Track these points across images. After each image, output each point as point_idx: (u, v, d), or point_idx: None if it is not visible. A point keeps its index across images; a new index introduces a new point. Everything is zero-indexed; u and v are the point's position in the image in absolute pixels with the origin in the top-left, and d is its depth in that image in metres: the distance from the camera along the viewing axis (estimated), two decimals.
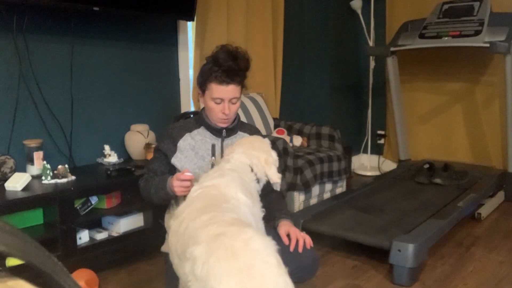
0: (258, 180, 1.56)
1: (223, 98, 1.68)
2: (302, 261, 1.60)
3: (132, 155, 2.92)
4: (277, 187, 1.65)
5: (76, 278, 2.09)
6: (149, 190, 1.72)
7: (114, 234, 2.47)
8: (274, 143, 2.99)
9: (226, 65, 1.66)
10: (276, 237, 1.61)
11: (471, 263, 2.53)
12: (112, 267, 2.46)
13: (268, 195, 1.81)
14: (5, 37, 2.37)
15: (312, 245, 1.62)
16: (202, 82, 1.72)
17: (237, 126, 1.83)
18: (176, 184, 1.59)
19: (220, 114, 1.71)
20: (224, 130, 1.78)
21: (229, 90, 1.68)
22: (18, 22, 2.38)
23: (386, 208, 2.95)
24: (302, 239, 1.61)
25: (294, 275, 1.65)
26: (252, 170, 1.54)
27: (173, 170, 1.74)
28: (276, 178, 1.57)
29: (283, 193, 2.00)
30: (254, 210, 1.40)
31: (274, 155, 1.65)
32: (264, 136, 1.92)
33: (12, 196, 2.04)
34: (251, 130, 1.89)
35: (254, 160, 1.56)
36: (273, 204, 1.77)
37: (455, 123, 4.28)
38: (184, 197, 1.63)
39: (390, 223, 2.67)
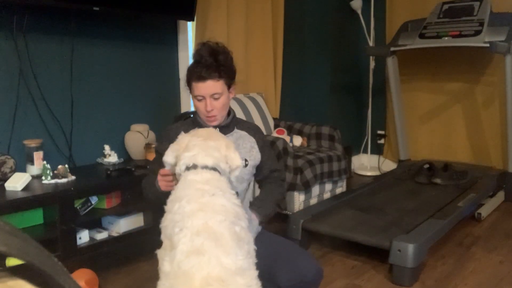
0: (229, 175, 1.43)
1: (203, 95, 1.68)
2: (306, 275, 1.58)
3: (132, 155, 2.92)
4: (239, 171, 1.50)
5: (76, 278, 2.09)
6: (146, 189, 1.75)
7: (114, 234, 2.47)
8: (274, 143, 2.99)
9: (203, 62, 1.66)
10: (267, 243, 1.61)
11: (471, 263, 2.52)
12: (112, 267, 2.46)
13: (264, 185, 1.84)
14: (5, 37, 2.37)
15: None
16: (188, 82, 1.73)
17: (233, 123, 1.80)
18: (159, 179, 1.60)
19: (204, 111, 1.70)
20: (218, 129, 1.76)
21: (207, 86, 1.66)
22: (18, 22, 2.38)
23: (386, 208, 2.95)
24: None
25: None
26: (219, 172, 1.37)
27: None
28: (237, 162, 1.44)
29: (283, 185, 1.97)
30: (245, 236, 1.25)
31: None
32: (264, 135, 1.92)
33: (12, 196, 2.04)
34: (250, 127, 1.84)
35: (215, 153, 1.39)
36: (261, 193, 1.79)
37: (455, 123, 4.28)
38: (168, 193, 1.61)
39: (390, 223, 2.67)
